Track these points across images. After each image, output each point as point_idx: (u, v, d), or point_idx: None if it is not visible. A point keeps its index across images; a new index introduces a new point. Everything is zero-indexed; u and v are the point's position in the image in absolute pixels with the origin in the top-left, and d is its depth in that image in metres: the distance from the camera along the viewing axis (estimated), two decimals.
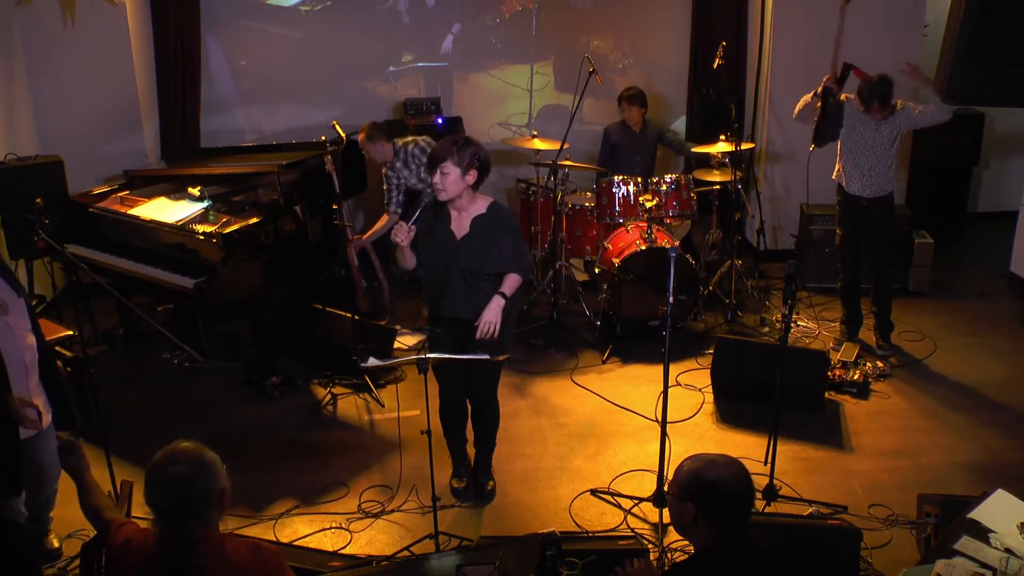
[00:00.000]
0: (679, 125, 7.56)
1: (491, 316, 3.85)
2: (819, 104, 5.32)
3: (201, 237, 4.90)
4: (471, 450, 4.44)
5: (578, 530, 4.06)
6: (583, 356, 5.68)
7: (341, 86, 7.20)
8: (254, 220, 5.04)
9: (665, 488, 3.86)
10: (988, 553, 3.23)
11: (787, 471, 4.40)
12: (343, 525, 4.12)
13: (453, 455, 4.41)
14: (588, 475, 4.48)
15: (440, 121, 6.85)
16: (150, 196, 5.46)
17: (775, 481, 4.16)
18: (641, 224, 5.79)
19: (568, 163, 6.01)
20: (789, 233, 6.89)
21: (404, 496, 4.31)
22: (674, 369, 5.29)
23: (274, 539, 3.99)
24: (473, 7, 7.22)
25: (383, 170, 5.90)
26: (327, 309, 5.44)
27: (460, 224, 3.90)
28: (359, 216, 7.42)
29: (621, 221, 5.96)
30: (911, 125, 5.30)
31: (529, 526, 4.07)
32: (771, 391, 4.10)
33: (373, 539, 4.05)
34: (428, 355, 3.68)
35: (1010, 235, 6.41)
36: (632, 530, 4.04)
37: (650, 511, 4.13)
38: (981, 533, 3.32)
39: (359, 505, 4.26)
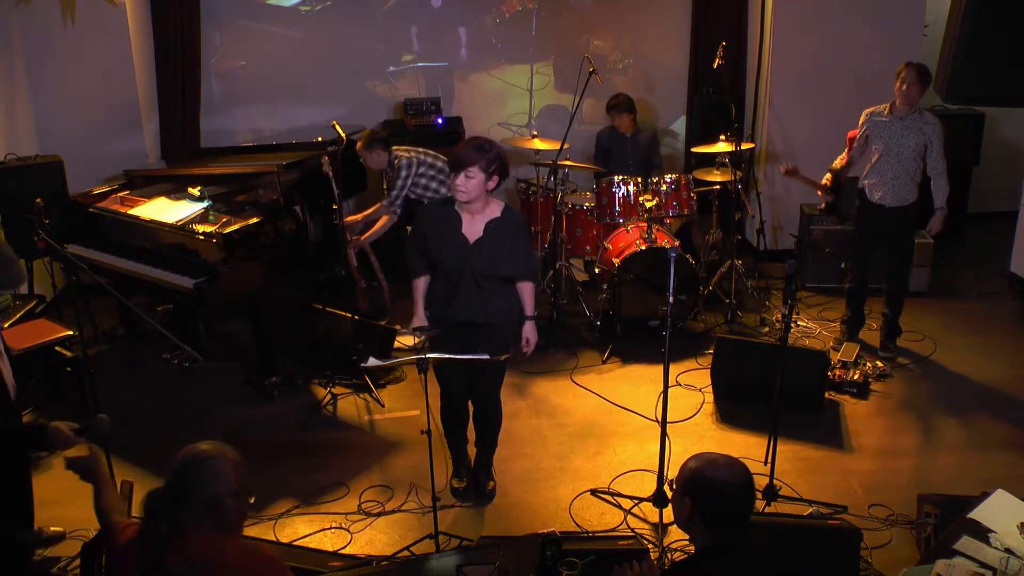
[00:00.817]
0: (679, 125, 7.57)
1: (533, 337, 4.06)
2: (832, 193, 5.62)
3: (201, 237, 4.90)
4: (471, 450, 4.44)
5: (578, 530, 4.06)
6: (583, 356, 5.68)
7: (341, 86, 7.20)
8: (254, 220, 5.03)
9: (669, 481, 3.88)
10: (988, 553, 3.23)
11: (787, 471, 4.40)
12: (343, 525, 4.12)
13: (453, 455, 4.41)
14: (588, 475, 4.48)
15: (440, 121, 6.86)
16: (150, 196, 5.46)
17: (775, 481, 4.17)
18: (641, 224, 5.79)
19: (568, 163, 6.01)
20: (789, 233, 6.90)
21: (404, 496, 4.31)
22: (674, 369, 5.30)
23: (274, 539, 3.98)
24: (473, 7, 7.23)
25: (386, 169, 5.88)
26: (327, 309, 5.44)
27: (473, 227, 3.86)
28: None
29: (621, 221, 5.96)
30: (928, 153, 5.20)
31: (529, 526, 4.07)
32: (771, 391, 4.10)
33: (373, 539, 4.04)
34: (428, 355, 3.68)
35: (1010, 235, 6.42)
36: (632, 530, 4.03)
37: (650, 511, 4.13)
38: (981, 533, 3.32)
39: (359, 505, 4.26)
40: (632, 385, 5.32)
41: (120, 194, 5.53)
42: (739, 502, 2.50)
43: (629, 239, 5.76)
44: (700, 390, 5.21)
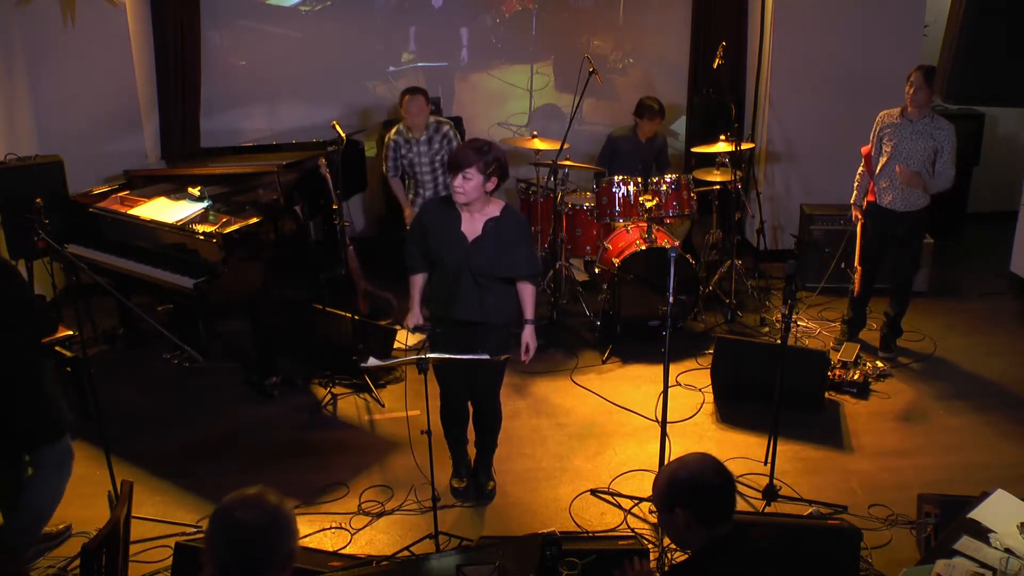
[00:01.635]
0: (679, 125, 7.57)
1: (533, 343, 4.04)
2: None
3: (201, 237, 4.90)
4: (471, 450, 4.44)
5: (578, 530, 4.06)
6: (583, 356, 5.68)
7: (341, 86, 7.20)
8: (254, 220, 5.04)
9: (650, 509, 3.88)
10: (988, 553, 3.23)
11: (787, 471, 4.40)
12: (343, 525, 4.12)
13: (453, 455, 4.40)
14: (588, 475, 4.48)
15: None
16: (150, 196, 5.45)
17: (775, 481, 4.17)
18: (641, 224, 5.79)
19: (568, 163, 6.01)
20: (789, 233, 6.90)
21: (404, 496, 4.31)
22: (674, 369, 5.30)
23: None
24: (473, 7, 7.23)
25: (390, 137, 5.77)
26: (327, 309, 5.44)
27: (472, 226, 3.86)
28: (359, 217, 7.41)
29: (621, 221, 5.96)
30: (938, 158, 5.10)
31: (529, 526, 4.07)
32: (771, 391, 4.10)
33: (373, 539, 4.04)
34: (428, 355, 3.68)
35: (1010, 235, 6.42)
36: (632, 530, 4.03)
37: (650, 511, 4.13)
38: (981, 533, 3.32)
39: (359, 505, 4.26)
40: (632, 385, 5.32)
41: (120, 194, 5.53)
42: (721, 489, 2.50)
43: (629, 239, 5.76)
44: (700, 390, 5.21)
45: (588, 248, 6.34)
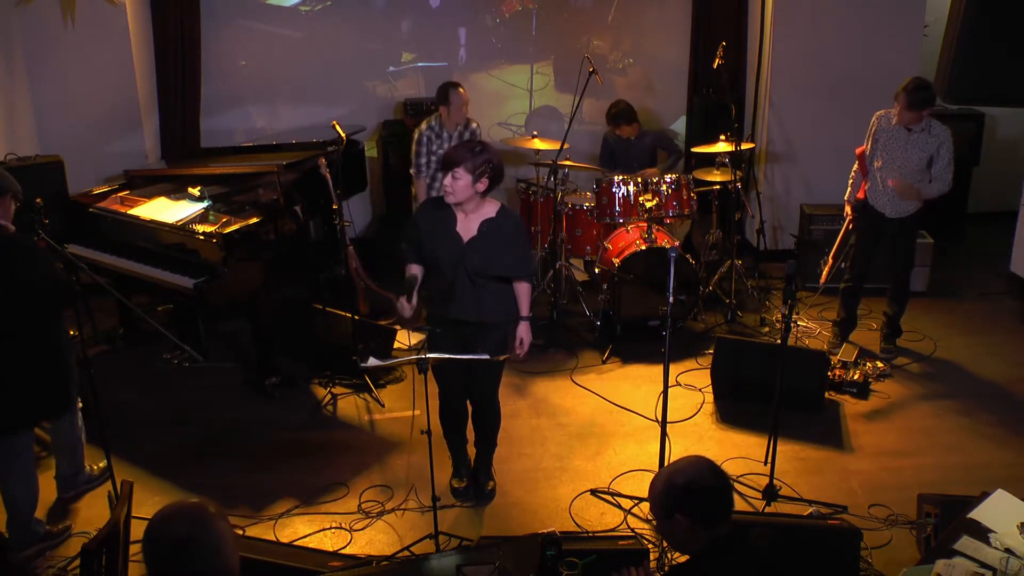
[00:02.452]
0: (679, 125, 7.57)
1: (527, 338, 4.00)
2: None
3: (201, 237, 4.90)
4: (471, 450, 4.44)
5: (578, 530, 4.06)
6: (583, 356, 5.68)
7: (341, 86, 7.20)
8: (254, 220, 5.04)
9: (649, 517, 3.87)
10: (988, 553, 3.23)
11: (787, 471, 4.40)
12: (343, 525, 4.12)
13: (453, 455, 4.40)
14: (588, 475, 4.48)
15: None
16: (150, 196, 5.46)
17: (775, 481, 4.17)
18: (641, 224, 5.79)
19: (568, 163, 6.01)
20: (789, 233, 6.89)
21: (404, 496, 4.31)
22: (674, 369, 5.30)
23: (274, 539, 3.98)
24: (473, 7, 7.23)
25: (420, 130, 5.82)
26: (327, 309, 5.44)
27: (467, 226, 3.87)
28: (359, 217, 7.41)
29: (621, 221, 5.96)
30: (934, 163, 5.06)
31: (529, 526, 4.07)
32: (771, 391, 4.10)
33: (373, 539, 4.04)
34: (428, 355, 3.68)
35: (1010, 235, 6.41)
36: (632, 530, 4.04)
37: (649, 515, 4.13)
38: (981, 533, 3.32)
39: (359, 505, 4.26)
40: (632, 385, 5.32)
41: (120, 194, 5.53)
42: (718, 490, 2.49)
43: (629, 239, 5.76)
44: (700, 390, 5.21)
45: (588, 248, 6.33)
